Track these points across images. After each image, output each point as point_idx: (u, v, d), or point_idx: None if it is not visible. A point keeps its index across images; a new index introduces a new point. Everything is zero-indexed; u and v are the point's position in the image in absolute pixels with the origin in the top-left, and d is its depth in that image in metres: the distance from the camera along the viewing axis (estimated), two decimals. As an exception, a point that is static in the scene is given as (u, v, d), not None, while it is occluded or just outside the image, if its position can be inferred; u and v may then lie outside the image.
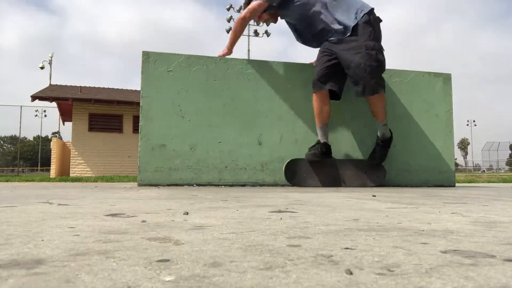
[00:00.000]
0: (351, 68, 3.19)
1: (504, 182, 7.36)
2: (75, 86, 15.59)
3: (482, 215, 1.23)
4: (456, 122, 3.94)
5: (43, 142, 49.49)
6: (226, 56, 3.49)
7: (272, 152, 3.45)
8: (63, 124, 17.70)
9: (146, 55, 3.35)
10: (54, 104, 14.09)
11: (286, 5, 3.37)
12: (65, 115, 15.31)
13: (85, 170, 13.12)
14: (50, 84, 17.09)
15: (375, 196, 2.09)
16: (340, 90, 3.37)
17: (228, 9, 26.13)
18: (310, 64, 3.58)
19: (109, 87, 16.25)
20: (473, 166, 57.80)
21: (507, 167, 57.53)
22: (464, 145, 79.82)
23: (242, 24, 3.48)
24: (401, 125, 3.71)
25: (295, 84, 3.55)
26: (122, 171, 13.11)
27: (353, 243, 0.73)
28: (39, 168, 44.67)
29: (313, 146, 3.35)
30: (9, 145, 76.65)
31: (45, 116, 42.43)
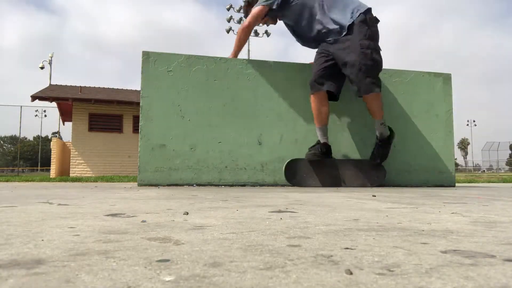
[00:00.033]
0: (346, 68, 3.19)
1: (504, 182, 7.36)
2: (75, 86, 15.60)
3: (482, 215, 1.23)
4: (456, 122, 3.94)
5: (43, 142, 49.48)
6: (226, 56, 3.50)
7: (272, 152, 3.45)
8: (63, 124, 17.71)
9: (146, 55, 3.35)
10: (54, 104, 14.09)
11: (284, 7, 3.38)
12: (65, 115, 15.32)
13: (85, 170, 13.12)
14: (50, 84, 17.09)
15: (375, 196, 2.09)
16: (338, 91, 3.35)
17: (228, 9, 26.14)
18: (310, 64, 3.58)
19: (109, 87, 16.25)
20: (473, 166, 57.81)
21: (507, 167, 57.53)
22: (464, 145, 79.83)
23: (247, 32, 3.48)
24: (401, 125, 3.71)
25: (295, 84, 3.55)
26: (122, 171, 13.12)
27: (353, 243, 0.73)
28: (39, 168, 44.67)
29: (313, 146, 3.35)
30: (9, 145, 76.66)
31: (45, 116, 42.45)
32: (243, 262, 0.57)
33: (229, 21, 26.10)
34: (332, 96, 3.39)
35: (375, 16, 3.29)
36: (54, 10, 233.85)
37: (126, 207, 1.40)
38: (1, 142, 78.27)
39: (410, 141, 3.74)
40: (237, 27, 25.31)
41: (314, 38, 3.41)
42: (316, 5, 3.32)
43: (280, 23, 3.64)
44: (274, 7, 3.37)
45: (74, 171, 13.05)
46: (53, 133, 44.88)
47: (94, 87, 15.85)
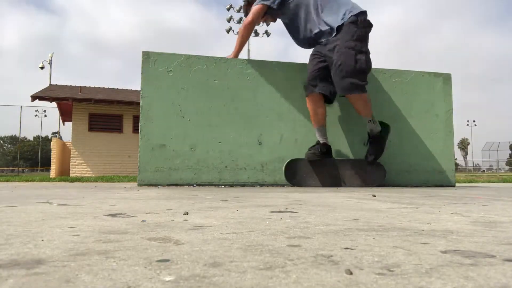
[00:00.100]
0: (331, 68, 3.19)
1: (504, 182, 7.36)
2: (75, 86, 15.60)
3: (482, 215, 1.23)
4: (456, 122, 3.94)
5: (43, 142, 49.48)
6: (226, 56, 3.50)
7: (272, 152, 3.45)
8: (63, 124, 17.71)
9: (146, 55, 3.35)
10: (54, 104, 14.09)
11: (283, 5, 3.38)
12: (65, 115, 15.32)
13: (85, 170, 13.12)
14: (50, 84, 17.08)
15: (375, 196, 2.09)
16: (332, 93, 3.32)
17: (228, 9, 26.14)
18: (310, 64, 3.58)
19: (109, 87, 16.25)
20: (473, 166, 57.80)
21: (507, 167, 57.53)
22: (464, 145, 79.84)
23: (249, 29, 3.47)
24: (401, 125, 3.71)
25: (295, 84, 3.55)
26: (122, 171, 13.12)
27: (353, 243, 0.73)
28: (39, 168, 44.67)
29: (313, 146, 3.35)
30: (9, 145, 76.66)
31: (45, 116, 42.45)
32: (243, 262, 0.57)
33: (229, 21, 26.11)
34: (327, 99, 3.38)
35: (368, 20, 3.25)
36: (54, 10, 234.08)
37: (126, 207, 1.40)
38: (1, 142, 78.28)
39: (410, 141, 3.74)
40: (237, 27, 25.32)
41: (308, 39, 3.41)
42: (311, 6, 3.32)
43: (279, 21, 3.64)
44: (274, 6, 3.37)
45: (74, 171, 13.05)
46: (53, 133, 44.92)
47: (94, 87, 15.85)
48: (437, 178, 3.75)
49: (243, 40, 3.50)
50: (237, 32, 3.59)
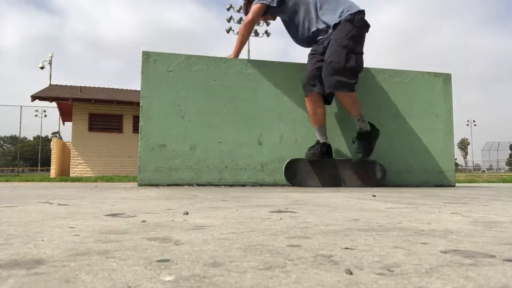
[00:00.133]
0: (323, 65, 3.20)
1: (504, 182, 7.36)
2: (75, 86, 15.60)
3: (482, 215, 1.23)
4: (456, 122, 3.94)
5: (43, 142, 49.49)
6: (227, 56, 3.50)
7: (272, 152, 3.45)
8: (63, 124, 17.71)
9: (146, 55, 3.35)
10: (54, 104, 14.09)
11: (282, 4, 3.39)
12: (65, 115, 15.32)
13: (85, 170, 13.12)
14: (50, 84, 17.09)
15: (375, 196, 2.09)
16: (330, 93, 3.31)
17: (228, 9, 26.15)
18: (310, 64, 3.58)
19: (109, 87, 16.25)
20: (473, 166, 57.80)
21: (507, 167, 57.52)
22: (464, 145, 79.82)
23: (249, 28, 3.46)
24: (401, 125, 3.71)
25: (295, 84, 3.55)
26: (122, 171, 13.12)
27: (353, 243, 0.73)
28: (39, 168, 44.68)
29: (313, 146, 3.35)
30: (9, 145, 76.65)
31: (45, 116, 42.49)
32: (243, 262, 0.57)
33: (229, 21, 26.11)
34: (325, 99, 3.37)
35: (365, 19, 3.24)
36: (54, 10, 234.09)
37: (126, 207, 1.40)
38: (1, 142, 78.28)
39: (410, 141, 3.74)
40: (237, 27, 25.32)
41: (307, 37, 3.41)
42: (311, 4, 3.32)
43: (279, 19, 3.65)
44: (273, 4, 3.37)
45: (74, 171, 13.05)
46: (53, 133, 44.93)
47: (94, 87, 15.85)
48: (437, 178, 3.75)
49: (244, 38, 3.50)
50: (237, 32, 3.58)
